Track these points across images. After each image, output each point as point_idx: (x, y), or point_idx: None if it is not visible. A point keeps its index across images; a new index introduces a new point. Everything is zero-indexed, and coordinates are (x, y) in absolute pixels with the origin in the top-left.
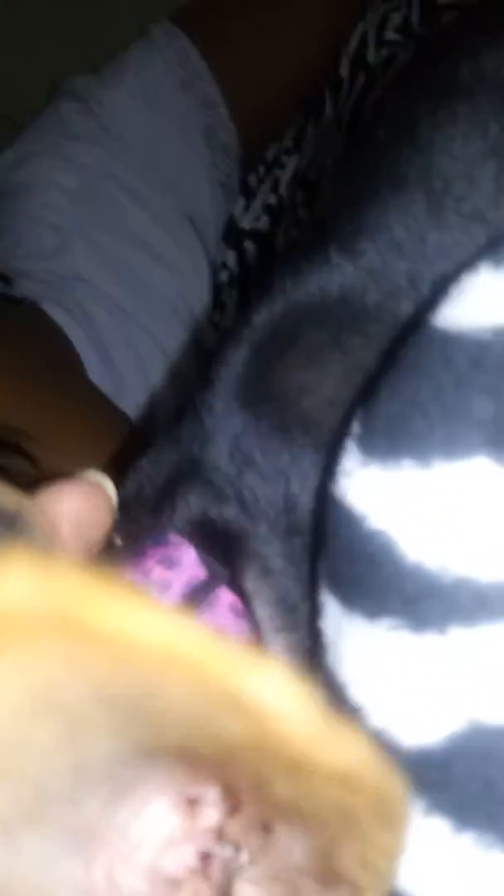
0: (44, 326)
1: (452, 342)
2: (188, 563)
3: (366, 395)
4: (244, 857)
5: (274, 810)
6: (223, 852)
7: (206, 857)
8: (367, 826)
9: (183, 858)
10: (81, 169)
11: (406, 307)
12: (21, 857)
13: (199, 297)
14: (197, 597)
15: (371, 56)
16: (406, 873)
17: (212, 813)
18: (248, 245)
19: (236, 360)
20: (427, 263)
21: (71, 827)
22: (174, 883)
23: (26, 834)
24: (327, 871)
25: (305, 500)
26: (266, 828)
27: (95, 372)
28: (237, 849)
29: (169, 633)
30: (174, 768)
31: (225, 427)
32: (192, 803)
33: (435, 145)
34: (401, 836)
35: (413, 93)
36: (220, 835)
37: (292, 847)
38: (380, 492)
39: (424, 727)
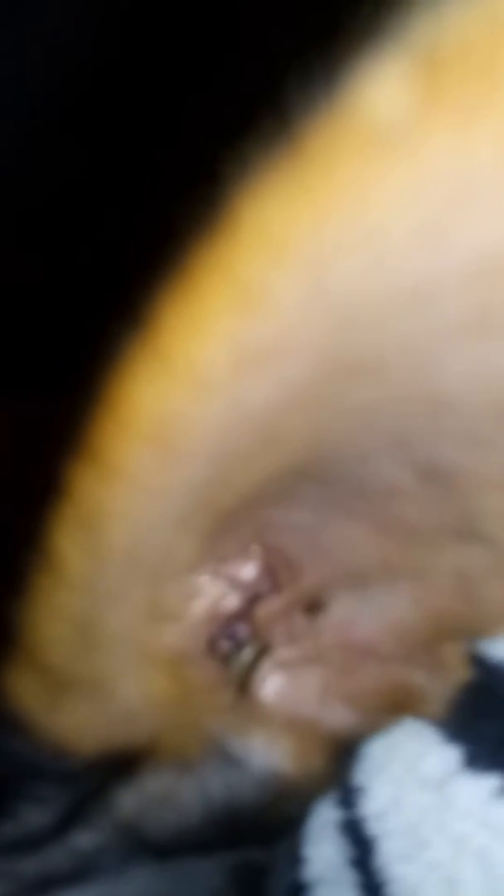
0: None
1: None
2: None
3: None
4: (251, 648)
5: (333, 583)
6: (225, 645)
7: (213, 643)
8: None
9: (197, 641)
10: None
11: None
12: None
13: None
14: None
15: None
16: None
17: (232, 598)
18: None
19: None
20: None
21: None
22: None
23: None
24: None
25: None
26: (313, 606)
27: None
28: (258, 635)
29: None
30: (222, 535)
31: None
32: (231, 580)
33: None
34: None
35: None
36: (244, 617)
37: (352, 622)
38: None
39: None
